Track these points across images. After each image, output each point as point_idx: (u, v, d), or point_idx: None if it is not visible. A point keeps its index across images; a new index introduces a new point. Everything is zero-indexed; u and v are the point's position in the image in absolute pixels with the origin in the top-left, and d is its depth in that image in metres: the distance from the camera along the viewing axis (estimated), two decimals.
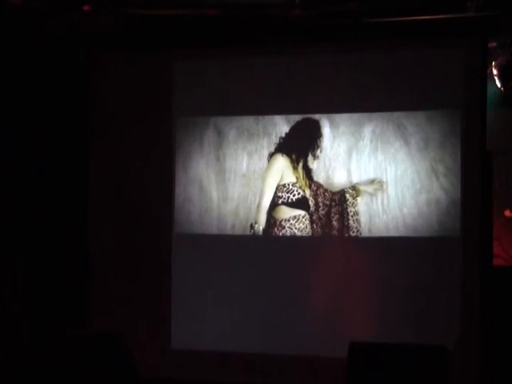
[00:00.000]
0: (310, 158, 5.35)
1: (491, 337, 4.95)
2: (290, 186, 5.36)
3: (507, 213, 5.54)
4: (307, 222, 5.31)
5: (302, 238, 5.33)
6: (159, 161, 5.60)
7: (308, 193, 5.32)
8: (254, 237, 5.42)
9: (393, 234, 5.15)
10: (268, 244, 5.40)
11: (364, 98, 5.25)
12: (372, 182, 5.21)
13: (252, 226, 5.41)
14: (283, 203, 5.37)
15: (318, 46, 5.33)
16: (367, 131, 5.24)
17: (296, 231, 5.33)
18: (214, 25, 5.32)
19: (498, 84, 5.35)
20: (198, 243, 5.50)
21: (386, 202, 5.19)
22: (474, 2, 4.89)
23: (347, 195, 5.25)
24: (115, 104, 5.70)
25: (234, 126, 5.47)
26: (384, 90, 5.21)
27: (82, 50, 5.67)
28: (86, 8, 5.17)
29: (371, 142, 5.22)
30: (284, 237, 5.36)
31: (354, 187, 5.24)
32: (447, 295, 5.03)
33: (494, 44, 5.21)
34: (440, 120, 5.13)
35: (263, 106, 5.43)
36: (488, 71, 5.24)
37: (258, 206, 5.40)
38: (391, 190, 5.17)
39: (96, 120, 5.74)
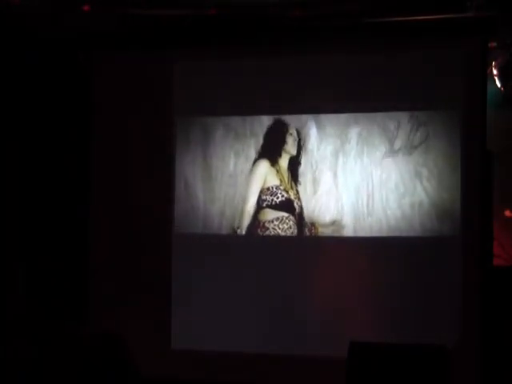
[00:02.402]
0: (293, 160, 5.36)
1: (491, 337, 4.95)
2: (274, 189, 5.37)
3: (507, 213, 5.55)
4: (291, 222, 5.33)
5: (297, 238, 5.34)
6: (160, 161, 5.60)
7: (292, 195, 5.33)
8: (253, 237, 5.43)
9: (376, 235, 5.16)
10: (268, 244, 5.41)
11: (363, 98, 5.25)
12: (332, 223, 5.22)
13: (235, 231, 5.42)
14: (267, 206, 5.39)
15: (318, 46, 5.32)
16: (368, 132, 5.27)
17: (279, 231, 5.35)
18: (214, 25, 5.32)
19: (498, 84, 5.35)
20: (198, 243, 5.51)
21: (370, 203, 5.20)
22: (474, 1, 4.89)
23: (305, 229, 5.27)
24: (115, 104, 5.70)
25: (221, 125, 5.50)
26: (383, 90, 5.21)
27: (82, 49, 5.67)
28: (86, 8, 5.17)
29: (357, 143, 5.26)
30: (282, 237, 5.36)
31: (313, 224, 5.26)
32: (447, 295, 5.03)
33: (494, 44, 5.21)
34: (439, 120, 5.14)
35: (263, 106, 5.44)
36: (488, 71, 5.24)
37: (242, 211, 5.41)
38: (376, 191, 5.18)
39: (96, 120, 5.74)
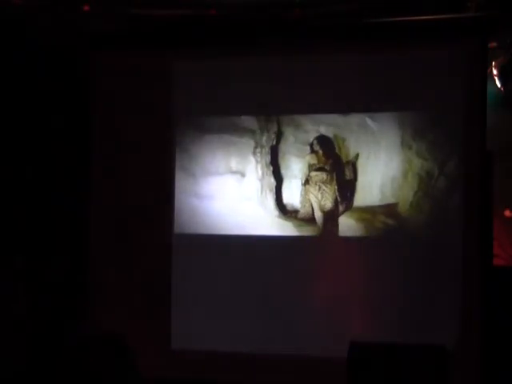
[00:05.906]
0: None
1: (491, 337, 4.95)
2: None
3: (507, 213, 5.55)
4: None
5: (300, 238, 5.35)
6: (159, 160, 5.61)
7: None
8: (252, 237, 5.43)
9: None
10: (267, 244, 5.41)
11: (363, 98, 5.25)
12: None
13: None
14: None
15: (318, 46, 5.33)
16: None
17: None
18: (213, 25, 5.32)
19: (498, 84, 5.35)
20: (198, 243, 5.51)
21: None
22: (473, 1, 4.90)
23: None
24: (115, 103, 5.71)
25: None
26: (383, 90, 5.22)
27: (82, 49, 5.67)
28: (86, 8, 5.17)
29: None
30: (281, 237, 5.37)
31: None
32: (447, 295, 5.03)
33: (494, 44, 5.22)
34: (439, 120, 5.15)
35: (263, 106, 5.44)
36: (488, 71, 5.25)
37: None
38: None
39: (96, 119, 5.74)
